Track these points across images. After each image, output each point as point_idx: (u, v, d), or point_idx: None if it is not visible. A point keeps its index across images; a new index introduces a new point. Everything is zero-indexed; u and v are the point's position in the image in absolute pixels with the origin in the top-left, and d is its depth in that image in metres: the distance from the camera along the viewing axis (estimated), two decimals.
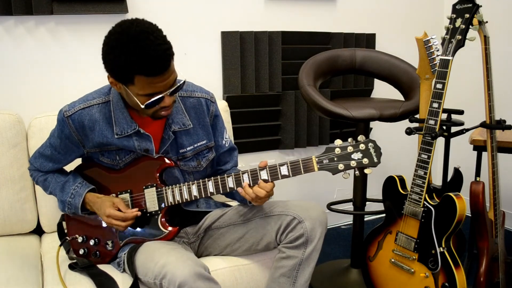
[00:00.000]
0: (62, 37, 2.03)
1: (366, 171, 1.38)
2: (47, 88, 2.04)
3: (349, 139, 1.39)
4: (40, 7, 1.92)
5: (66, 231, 1.68)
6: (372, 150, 1.37)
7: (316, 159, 1.39)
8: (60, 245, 1.63)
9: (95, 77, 2.07)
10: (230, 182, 1.47)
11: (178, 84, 1.41)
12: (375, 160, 1.37)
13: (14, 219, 1.82)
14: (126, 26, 1.31)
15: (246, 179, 1.45)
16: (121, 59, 1.29)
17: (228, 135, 1.73)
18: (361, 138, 1.39)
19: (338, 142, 1.39)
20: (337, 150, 1.38)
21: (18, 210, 1.82)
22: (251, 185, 1.45)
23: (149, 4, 2.16)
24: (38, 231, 1.91)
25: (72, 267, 1.55)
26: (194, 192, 1.50)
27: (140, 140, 1.52)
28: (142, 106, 1.37)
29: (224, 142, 1.69)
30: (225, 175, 1.48)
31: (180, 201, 1.52)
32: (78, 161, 1.69)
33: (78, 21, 2.05)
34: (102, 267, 1.55)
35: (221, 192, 1.49)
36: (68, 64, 2.06)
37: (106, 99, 1.51)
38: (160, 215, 1.53)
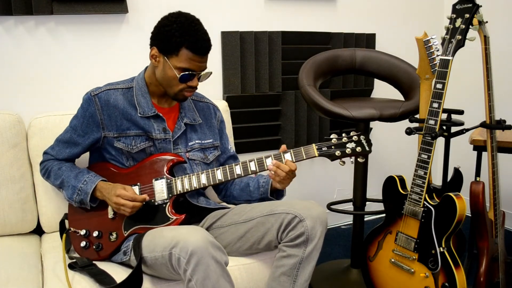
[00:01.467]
0: (62, 37, 2.03)
1: (359, 159, 1.59)
2: (47, 88, 2.04)
3: (343, 134, 1.60)
4: (40, 7, 1.92)
5: (68, 227, 1.69)
6: (364, 141, 1.59)
7: (316, 146, 1.57)
8: (64, 233, 1.63)
9: (95, 77, 2.08)
10: (238, 170, 1.58)
11: (208, 71, 1.61)
12: (367, 148, 1.58)
13: (14, 219, 1.82)
14: (184, 12, 1.59)
15: (253, 166, 1.57)
16: (177, 31, 1.51)
17: (231, 145, 1.88)
18: (352, 133, 1.60)
19: (333, 135, 1.61)
20: (334, 140, 1.59)
21: (18, 210, 1.82)
22: (257, 171, 1.58)
23: (149, 4, 2.16)
24: (38, 231, 1.91)
25: (71, 266, 1.55)
26: (203, 180, 1.59)
27: (158, 122, 1.65)
28: (178, 76, 1.54)
29: (230, 147, 1.86)
30: (233, 164, 1.59)
31: (189, 189, 1.58)
32: (86, 160, 1.72)
33: (78, 21, 2.05)
34: (102, 266, 1.55)
35: (229, 178, 1.58)
36: (68, 64, 2.06)
37: (130, 85, 1.67)
38: (168, 203, 1.58)
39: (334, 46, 2.58)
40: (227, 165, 1.59)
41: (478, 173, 2.11)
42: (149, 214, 1.58)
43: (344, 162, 1.59)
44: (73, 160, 1.72)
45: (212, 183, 1.58)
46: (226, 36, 2.34)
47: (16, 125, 1.82)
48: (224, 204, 1.83)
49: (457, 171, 1.76)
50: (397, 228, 1.79)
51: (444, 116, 1.76)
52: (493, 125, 1.72)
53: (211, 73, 1.63)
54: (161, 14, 2.25)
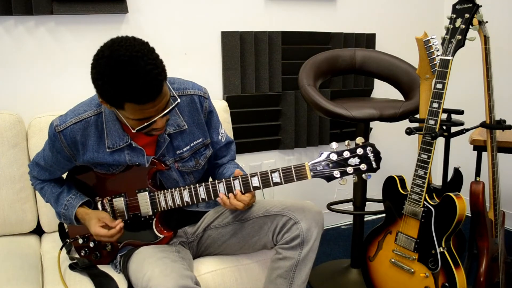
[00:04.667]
0: (62, 37, 2.03)
1: (364, 177, 1.31)
2: (47, 88, 2.04)
3: (346, 142, 1.31)
4: (40, 7, 1.92)
5: (67, 230, 1.68)
6: (370, 155, 1.28)
7: (310, 166, 1.32)
8: (61, 249, 1.62)
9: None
10: (222, 188, 1.43)
11: (171, 107, 1.35)
12: (374, 165, 1.29)
13: (14, 219, 1.82)
14: (115, 49, 1.26)
15: (237, 186, 1.41)
16: (110, 86, 1.25)
17: (224, 129, 1.68)
18: (359, 141, 1.30)
19: (333, 145, 1.30)
20: (333, 156, 1.30)
21: (18, 210, 1.82)
22: (243, 191, 1.42)
23: (149, 4, 2.16)
24: (38, 231, 1.91)
25: (72, 267, 1.55)
26: (186, 197, 1.47)
27: (132, 153, 1.49)
28: (134, 131, 1.34)
29: (220, 137, 1.65)
30: (216, 181, 1.45)
31: (173, 206, 1.50)
32: None
33: (78, 21, 2.05)
34: (103, 267, 1.55)
35: (213, 198, 1.45)
36: (68, 64, 2.06)
37: (98, 111, 1.47)
38: (155, 220, 1.52)
39: (334, 46, 2.58)
40: (210, 183, 1.45)
41: (478, 173, 2.11)
42: (138, 229, 1.54)
43: (346, 181, 1.31)
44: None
45: (195, 201, 1.47)
46: (226, 36, 2.34)
47: (16, 125, 1.82)
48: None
49: (457, 171, 1.76)
50: (397, 228, 1.79)
51: (444, 116, 1.76)
52: (493, 125, 1.72)
53: (177, 103, 1.37)
54: (161, 14, 2.26)
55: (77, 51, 2.07)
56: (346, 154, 1.29)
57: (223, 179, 1.43)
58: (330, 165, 1.30)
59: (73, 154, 1.49)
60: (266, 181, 1.38)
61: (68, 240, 1.64)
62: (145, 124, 1.32)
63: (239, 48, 2.36)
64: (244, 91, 2.43)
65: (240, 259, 1.62)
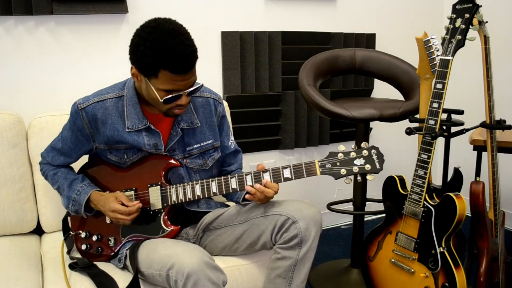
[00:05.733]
0: (62, 37, 2.03)
1: (368, 177, 1.42)
2: (47, 88, 2.04)
3: (352, 146, 1.43)
4: (40, 7, 1.92)
5: (70, 225, 1.69)
6: (374, 157, 1.41)
7: (319, 163, 1.43)
8: (64, 239, 1.64)
9: (95, 77, 2.08)
10: (234, 183, 1.50)
11: (197, 86, 1.46)
12: (378, 166, 1.41)
13: (14, 219, 1.82)
14: (160, 22, 1.38)
15: (249, 181, 1.48)
16: (150, 51, 1.34)
17: (233, 137, 1.77)
18: (364, 145, 1.43)
19: (341, 147, 1.43)
20: (340, 155, 1.42)
21: (18, 210, 1.82)
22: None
23: (149, 4, 2.16)
24: (38, 231, 1.91)
25: (72, 266, 1.55)
26: (198, 191, 1.52)
27: (149, 136, 1.55)
28: (161, 100, 1.41)
29: (230, 143, 1.74)
30: (229, 176, 1.51)
31: (184, 200, 1.53)
32: (85, 159, 1.71)
33: (78, 21, 2.05)
34: (102, 266, 1.55)
35: (224, 192, 1.51)
36: (68, 64, 2.06)
37: (120, 94, 1.55)
38: (163, 213, 1.55)
39: (334, 46, 2.58)
40: (222, 177, 1.51)
41: (478, 173, 2.11)
42: (145, 222, 1.56)
43: (350, 180, 1.43)
44: (69, 166, 1.70)
45: (206, 196, 1.52)
46: (226, 36, 2.34)
47: (16, 125, 1.82)
48: (225, 201, 1.82)
49: (457, 171, 1.76)
50: (397, 228, 1.79)
51: (444, 116, 1.76)
52: (493, 125, 1.72)
53: (201, 85, 1.50)
54: (161, 14, 2.24)
55: (77, 51, 2.07)
56: (353, 155, 1.42)
57: (236, 175, 1.49)
58: (338, 163, 1.42)
59: (92, 132, 1.55)
60: (277, 177, 1.46)
61: (71, 232, 1.65)
62: (174, 95, 1.41)
63: (239, 48, 2.36)
64: (244, 91, 2.43)
65: (239, 259, 1.63)
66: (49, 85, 2.04)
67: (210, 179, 1.52)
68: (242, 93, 2.42)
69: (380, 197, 1.89)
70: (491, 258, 1.78)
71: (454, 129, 1.82)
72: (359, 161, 1.40)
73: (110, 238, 1.59)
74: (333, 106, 1.94)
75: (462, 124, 1.81)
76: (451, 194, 1.63)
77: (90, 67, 2.10)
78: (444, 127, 1.80)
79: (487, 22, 1.65)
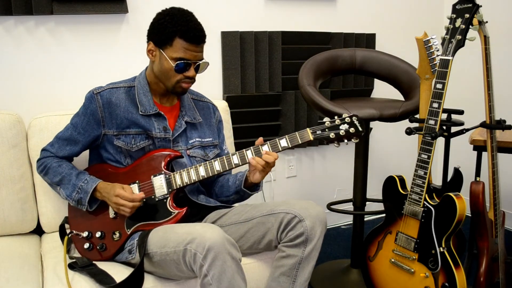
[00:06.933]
0: (62, 37, 2.03)
1: (353, 140, 1.59)
2: (47, 88, 2.04)
3: (335, 116, 1.60)
4: (40, 7, 1.92)
5: (68, 231, 1.69)
6: (356, 122, 1.58)
7: (311, 130, 1.58)
8: (68, 235, 1.66)
9: (95, 77, 2.08)
10: (235, 159, 1.58)
11: (205, 61, 1.63)
12: (360, 129, 1.58)
13: (14, 219, 1.82)
14: (177, 7, 1.61)
15: (249, 155, 1.58)
16: (169, 22, 1.55)
17: (226, 146, 1.87)
18: (345, 114, 1.59)
19: (326, 119, 1.61)
20: (327, 123, 1.59)
21: (18, 210, 1.82)
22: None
23: (149, 4, 2.15)
24: (38, 231, 1.91)
25: (71, 266, 1.55)
26: (202, 172, 1.59)
27: (158, 120, 1.66)
28: (173, 66, 1.56)
29: (224, 148, 1.85)
30: (230, 153, 1.61)
31: (188, 182, 1.58)
32: (86, 160, 1.73)
33: (78, 21, 2.05)
34: (104, 266, 1.55)
35: (227, 168, 1.58)
36: (68, 64, 2.06)
37: (131, 84, 1.69)
38: (169, 198, 1.58)
39: (334, 46, 2.58)
40: (224, 156, 1.59)
41: (478, 173, 2.11)
42: (151, 211, 1.58)
43: (339, 144, 1.60)
44: (72, 159, 1.72)
45: (210, 175, 1.58)
46: (226, 36, 2.34)
47: (16, 125, 1.82)
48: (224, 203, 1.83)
49: (457, 171, 1.76)
50: (397, 228, 1.79)
51: (444, 116, 1.76)
52: (493, 125, 1.72)
53: (208, 63, 1.65)
54: None
55: (77, 51, 2.07)
56: (338, 121, 1.59)
57: (237, 152, 1.59)
58: (326, 129, 1.58)
59: (104, 117, 1.63)
60: (275, 147, 1.58)
61: (74, 231, 1.66)
62: (185, 62, 1.57)
63: (239, 48, 2.36)
64: (244, 91, 2.43)
65: (243, 258, 1.62)
66: (49, 85, 2.04)
67: (212, 160, 1.60)
68: (242, 93, 2.42)
69: (380, 197, 1.89)
70: (491, 258, 1.78)
71: (454, 129, 1.82)
72: (343, 126, 1.57)
73: (115, 232, 1.59)
74: (333, 106, 1.94)
75: (462, 124, 1.81)
76: (451, 194, 1.63)
77: (90, 67, 2.10)
78: (444, 127, 1.80)
79: (487, 22, 1.65)
